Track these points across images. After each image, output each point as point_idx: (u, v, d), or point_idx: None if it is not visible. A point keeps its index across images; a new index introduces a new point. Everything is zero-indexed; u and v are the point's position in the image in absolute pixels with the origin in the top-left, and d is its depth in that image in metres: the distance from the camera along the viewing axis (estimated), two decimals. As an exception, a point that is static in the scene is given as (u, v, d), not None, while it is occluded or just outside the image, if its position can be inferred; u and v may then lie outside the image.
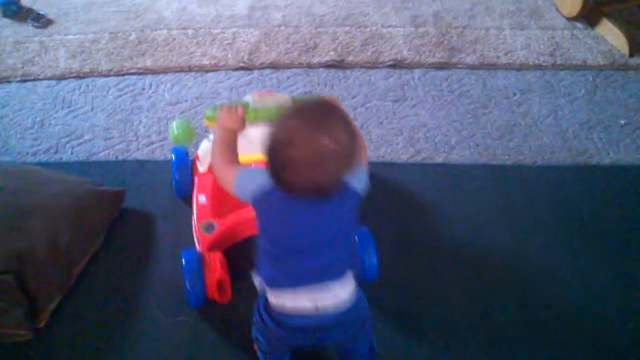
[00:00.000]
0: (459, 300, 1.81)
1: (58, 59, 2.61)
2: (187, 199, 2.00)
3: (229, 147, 1.44)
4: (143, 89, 2.50)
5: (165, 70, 2.57)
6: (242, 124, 1.50)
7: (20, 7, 2.81)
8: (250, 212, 1.41)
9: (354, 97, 2.50)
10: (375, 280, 1.78)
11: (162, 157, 2.22)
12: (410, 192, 2.15)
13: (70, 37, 2.72)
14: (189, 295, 1.72)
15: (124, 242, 1.93)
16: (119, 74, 2.56)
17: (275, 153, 1.24)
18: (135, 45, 2.67)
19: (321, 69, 2.62)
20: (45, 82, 2.52)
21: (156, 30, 2.78)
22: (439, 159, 2.27)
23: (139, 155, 2.24)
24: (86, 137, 2.30)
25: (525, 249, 1.96)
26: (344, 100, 2.46)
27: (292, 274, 1.36)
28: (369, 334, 1.54)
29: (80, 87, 2.51)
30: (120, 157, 2.23)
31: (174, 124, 1.92)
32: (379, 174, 2.18)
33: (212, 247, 1.77)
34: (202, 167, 1.98)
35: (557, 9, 2.89)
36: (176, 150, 2.05)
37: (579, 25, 2.88)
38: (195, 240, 1.85)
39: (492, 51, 2.72)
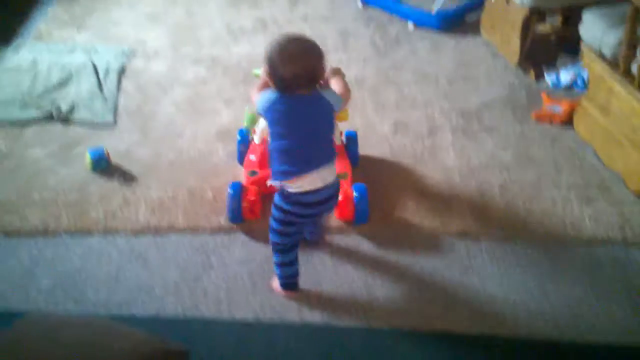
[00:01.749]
0: None
1: (138, 214, 2.75)
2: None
3: (263, 87, 2.16)
4: (215, 247, 2.59)
5: (238, 229, 2.66)
6: None
7: (110, 164, 3.03)
8: None
9: (420, 267, 2.51)
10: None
11: (228, 316, 2.27)
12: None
13: (151, 193, 2.87)
14: (229, 212, 2.62)
15: (184, 402, 1.93)
16: (194, 231, 2.67)
17: (273, 57, 2.01)
18: (212, 204, 2.80)
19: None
20: (123, 236, 2.63)
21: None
22: (505, 332, 2.24)
23: (206, 312, 2.30)
24: (157, 292, 2.38)
25: None
26: (409, 266, 2.48)
27: (301, 163, 2.04)
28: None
29: (155, 242, 2.61)
30: (188, 314, 2.29)
31: (247, 112, 2.78)
32: (444, 347, 2.15)
33: (252, 185, 2.66)
34: (256, 138, 2.79)
35: (625, 185, 2.90)
36: (241, 131, 2.95)
37: (648, 201, 2.87)
38: (243, 180, 2.72)
39: (560, 223, 2.72)
